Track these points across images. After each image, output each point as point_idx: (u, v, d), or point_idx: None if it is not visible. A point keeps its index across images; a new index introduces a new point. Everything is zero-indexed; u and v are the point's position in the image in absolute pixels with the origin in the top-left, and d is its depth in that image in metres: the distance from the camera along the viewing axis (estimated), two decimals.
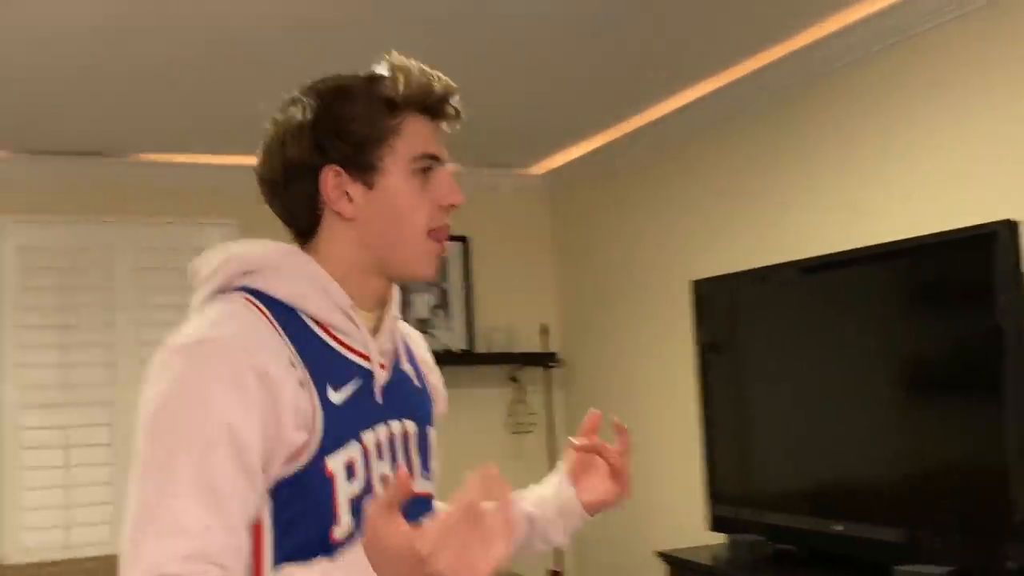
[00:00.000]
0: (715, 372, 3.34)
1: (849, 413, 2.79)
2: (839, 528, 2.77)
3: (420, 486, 1.30)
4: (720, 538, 3.24)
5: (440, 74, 1.28)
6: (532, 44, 3.02)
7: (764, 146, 3.41)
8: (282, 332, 1.17)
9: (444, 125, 1.30)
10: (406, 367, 1.32)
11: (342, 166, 1.23)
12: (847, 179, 3.06)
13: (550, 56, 3.13)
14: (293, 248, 1.26)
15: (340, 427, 1.18)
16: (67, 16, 2.63)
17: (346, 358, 1.22)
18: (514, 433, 4.53)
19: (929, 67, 2.79)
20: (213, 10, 2.65)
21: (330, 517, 1.17)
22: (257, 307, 1.18)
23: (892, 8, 2.79)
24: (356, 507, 1.18)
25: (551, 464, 4.48)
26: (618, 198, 4.25)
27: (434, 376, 1.43)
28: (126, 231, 4.14)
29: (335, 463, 1.17)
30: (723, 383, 3.31)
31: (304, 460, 1.15)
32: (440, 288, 4.54)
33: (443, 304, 4.53)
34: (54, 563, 3.74)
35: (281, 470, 1.14)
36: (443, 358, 4.57)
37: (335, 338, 1.22)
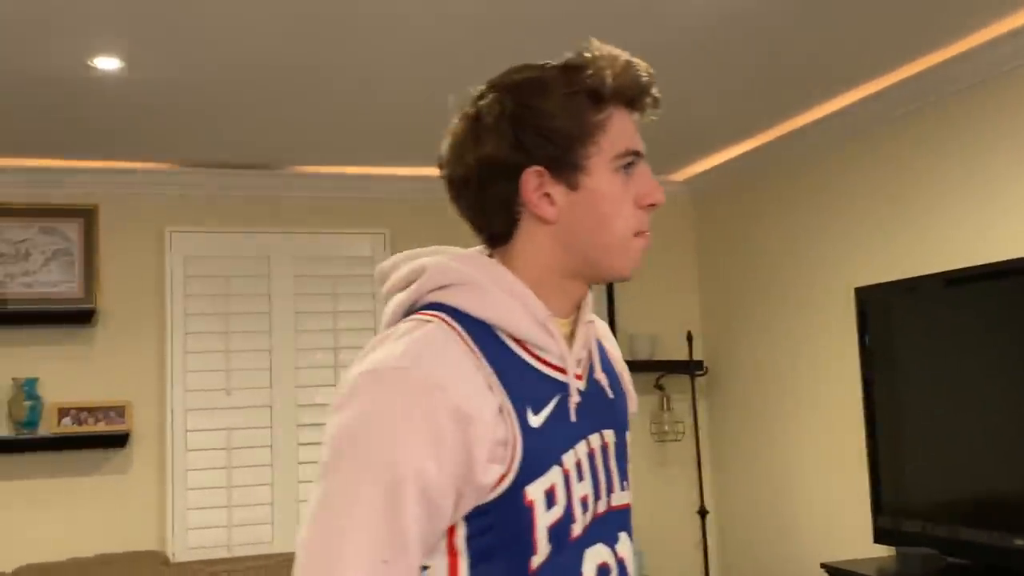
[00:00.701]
0: (880, 380, 3.26)
1: (1012, 426, 2.69)
2: (1022, 542, 2.67)
3: (618, 499, 1.23)
4: (886, 551, 3.17)
5: (641, 62, 1.18)
6: (680, 49, 3.00)
7: (923, 151, 3.32)
8: (480, 355, 1.09)
9: (638, 117, 1.20)
10: (599, 375, 1.24)
11: (545, 166, 1.13)
12: (1015, 185, 2.96)
13: (699, 61, 3.11)
14: (488, 259, 1.19)
15: (540, 453, 1.10)
16: (231, 25, 2.74)
17: (543, 374, 1.14)
18: (659, 441, 4.51)
19: None
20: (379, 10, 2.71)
21: (529, 547, 1.09)
22: (455, 329, 1.11)
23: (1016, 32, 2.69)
24: (555, 533, 1.11)
25: (698, 472, 4.45)
26: (764, 204, 4.19)
27: (626, 374, 1.34)
28: (283, 241, 4.27)
29: (535, 491, 1.09)
30: (888, 391, 3.24)
31: (501, 490, 1.07)
32: None
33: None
34: (220, 560, 3.87)
35: (476, 501, 1.08)
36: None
37: (532, 354, 1.14)
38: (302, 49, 2.87)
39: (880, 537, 3.18)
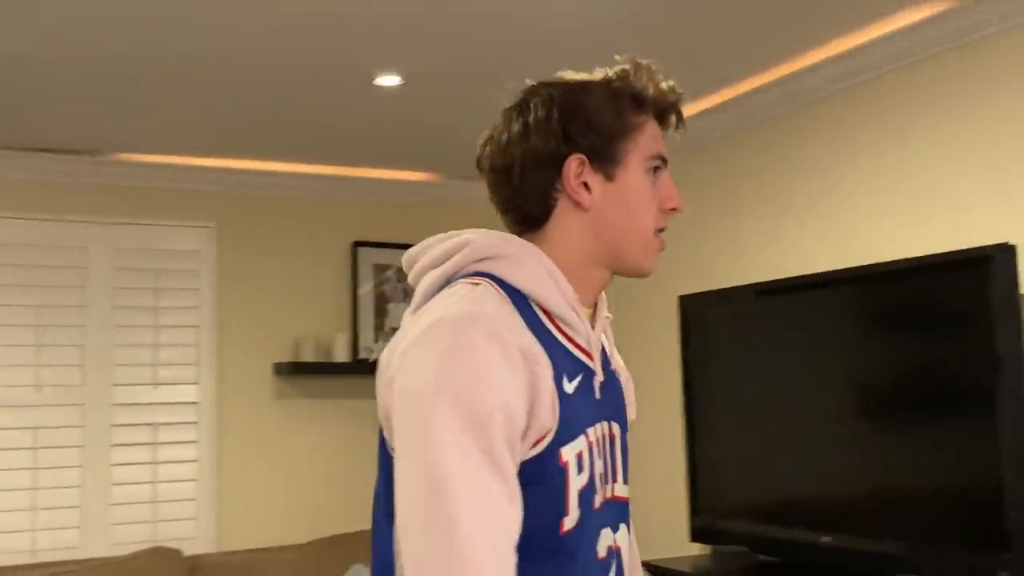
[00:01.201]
0: (698, 386, 3.37)
1: (839, 428, 2.84)
2: (827, 540, 2.81)
3: (620, 490, 1.30)
4: (701, 549, 3.27)
5: (675, 84, 1.33)
6: (521, 61, 3.04)
7: (759, 163, 3.47)
8: (523, 319, 1.17)
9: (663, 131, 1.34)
10: (616, 366, 1.36)
11: (587, 155, 1.25)
12: (846, 198, 3.13)
13: (540, 74, 3.15)
14: (525, 240, 1.26)
15: (573, 418, 1.17)
16: (51, 6, 2.60)
17: (570, 352, 1.22)
18: None
19: (927, 90, 2.87)
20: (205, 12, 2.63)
21: (562, 507, 1.15)
22: (498, 291, 1.18)
23: (895, 34, 2.86)
24: (583, 499, 1.18)
25: None
26: None
27: (630, 382, 1.44)
28: (102, 231, 4.07)
29: (569, 453, 1.16)
30: (704, 397, 3.35)
31: (543, 446, 1.13)
32: None
33: None
34: (22, 567, 3.64)
35: (524, 452, 1.12)
36: None
37: (561, 331, 1.22)
38: (127, 34, 2.74)
39: (696, 536, 3.29)
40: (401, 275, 4.49)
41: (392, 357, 1.16)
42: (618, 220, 1.26)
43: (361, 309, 4.43)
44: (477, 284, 1.18)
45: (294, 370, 4.22)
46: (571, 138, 1.24)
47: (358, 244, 4.45)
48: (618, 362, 1.41)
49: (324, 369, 4.29)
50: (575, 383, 1.19)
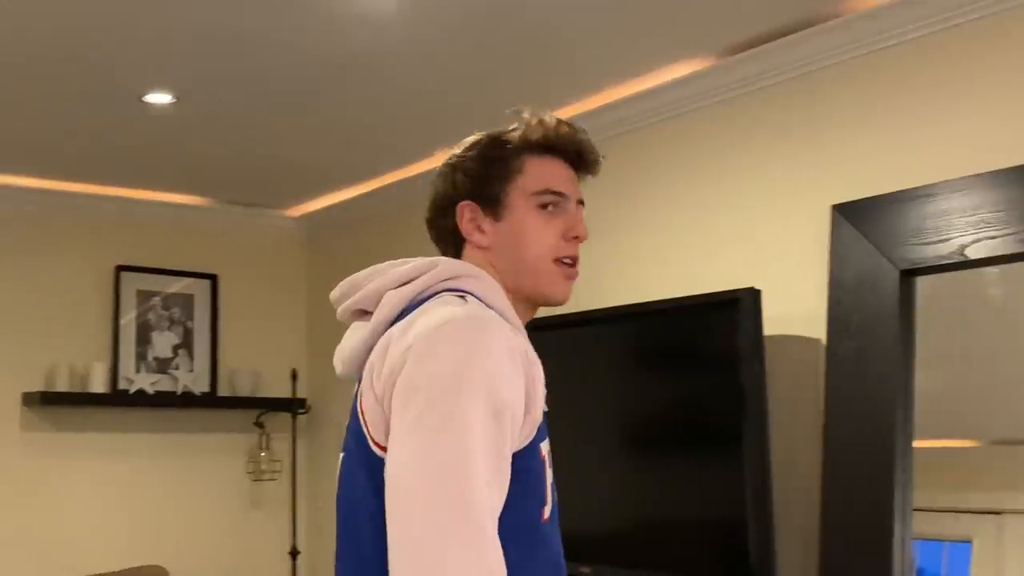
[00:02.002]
0: None
1: (603, 461, 2.92)
2: (586, 571, 2.88)
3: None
4: None
5: (576, 125, 1.47)
6: (297, 85, 3.00)
7: None
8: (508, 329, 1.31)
9: (583, 172, 1.48)
10: None
11: (474, 201, 1.42)
12: (610, 239, 3.24)
13: (315, 99, 3.13)
14: (473, 266, 1.40)
15: (543, 421, 1.30)
16: None
17: None
18: (256, 481, 4.38)
19: (688, 143, 3.02)
20: None
21: (542, 497, 1.28)
22: (481, 303, 1.33)
23: (660, 88, 3.00)
24: (552, 492, 1.32)
25: (292, 513, 4.37)
26: (378, 246, 4.26)
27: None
28: None
29: (544, 449, 1.30)
30: None
31: (529, 439, 1.25)
32: (184, 326, 4.34)
33: (186, 343, 4.34)
34: None
35: (518, 444, 1.23)
36: (182, 401, 4.40)
37: None
38: None
39: None
40: (167, 302, 4.31)
41: (384, 357, 1.26)
42: (510, 252, 1.40)
43: (122, 337, 4.20)
44: (463, 297, 1.32)
45: (46, 400, 3.94)
46: (457, 186, 1.43)
47: (121, 268, 4.23)
48: None
49: (80, 400, 4.04)
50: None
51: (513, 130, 1.46)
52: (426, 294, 1.34)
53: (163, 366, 4.26)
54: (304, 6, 2.46)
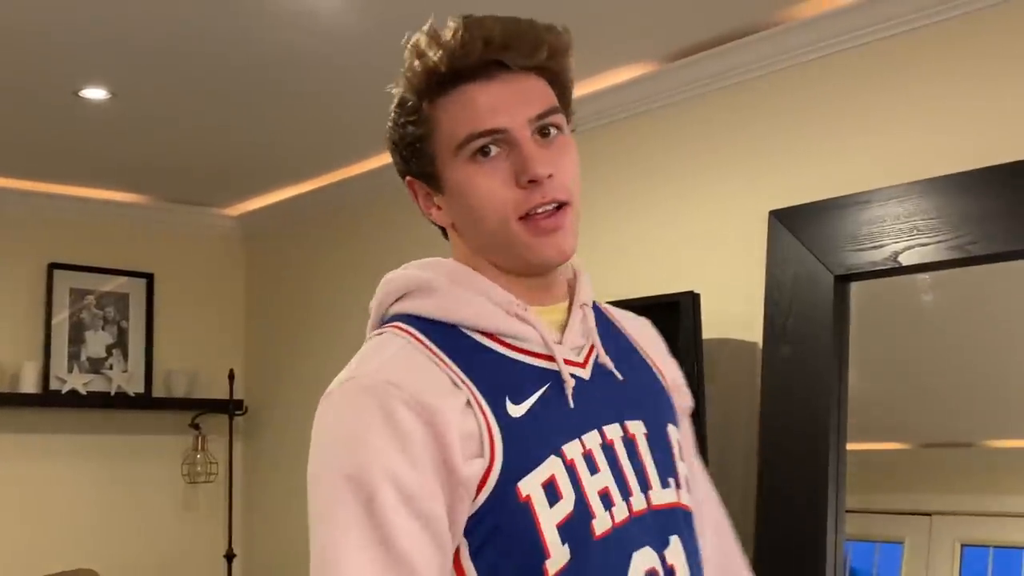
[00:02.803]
0: None
1: None
2: None
3: (660, 497, 1.10)
4: None
5: (487, 17, 1.07)
6: (237, 81, 2.97)
7: None
8: (440, 353, 1.04)
9: (529, 69, 1.07)
10: (604, 360, 1.13)
11: (415, 177, 1.13)
12: None
13: (256, 96, 3.10)
14: (451, 261, 1.15)
15: (530, 443, 1.02)
16: None
17: (527, 364, 1.07)
18: (191, 483, 4.31)
19: (628, 147, 3.05)
20: None
21: (538, 550, 1.00)
22: (408, 332, 1.07)
23: (598, 94, 3.02)
24: (569, 532, 1.01)
25: (228, 515, 4.32)
26: (318, 247, 4.23)
27: (667, 366, 1.25)
28: None
29: (530, 485, 1.00)
30: None
31: (490, 489, 0.99)
32: (118, 326, 4.26)
33: (120, 343, 4.26)
34: None
35: (469, 504, 1.00)
36: (116, 401, 4.33)
37: (508, 345, 1.07)
38: None
39: None
40: (101, 301, 4.23)
41: None
42: (469, 228, 1.10)
43: (55, 336, 4.11)
44: (381, 334, 1.11)
45: None
46: (397, 166, 1.15)
47: (55, 266, 4.14)
48: (653, 350, 1.24)
49: (10, 400, 3.94)
50: (529, 401, 1.04)
51: (402, 73, 1.12)
52: (384, 321, 1.14)
53: (96, 366, 4.17)
54: (243, 3, 2.43)
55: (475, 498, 1.00)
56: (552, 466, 1.02)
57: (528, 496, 1.00)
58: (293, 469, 4.17)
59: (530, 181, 1.05)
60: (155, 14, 2.50)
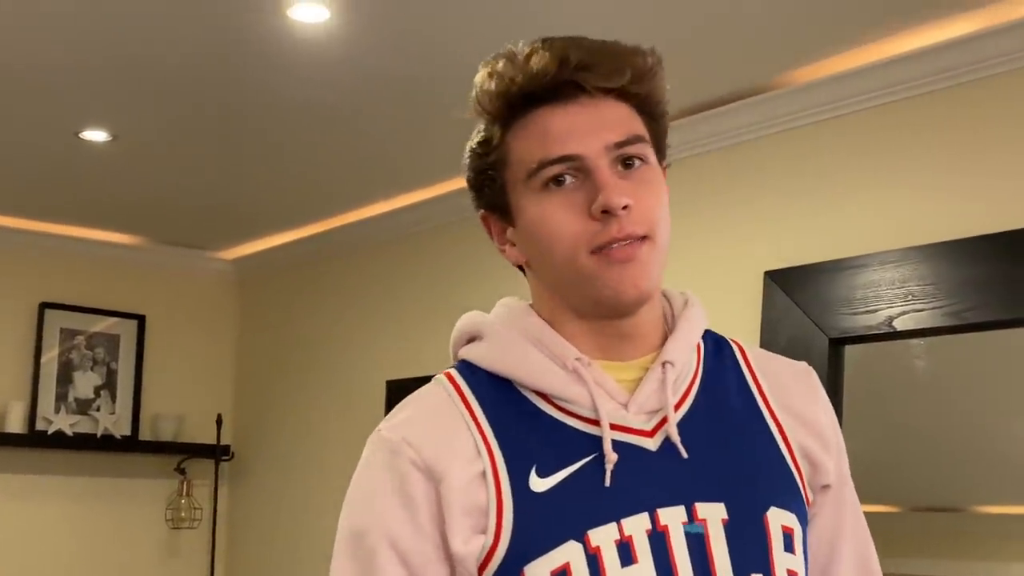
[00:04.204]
0: None
1: None
2: None
3: None
4: None
5: (563, 39, 0.98)
6: (236, 127, 2.99)
7: (453, 260, 3.56)
8: (477, 413, 0.97)
9: (608, 91, 0.97)
10: (672, 431, 0.97)
11: (488, 210, 1.05)
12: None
13: (254, 142, 3.11)
14: (513, 303, 1.07)
15: (546, 523, 0.91)
16: None
17: (575, 430, 0.96)
18: (175, 528, 4.26)
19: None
20: None
21: None
22: (454, 384, 1.00)
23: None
24: None
25: (211, 563, 4.26)
26: (310, 293, 4.23)
27: (805, 431, 1.04)
28: None
29: (538, 572, 0.90)
30: None
31: (494, 567, 0.91)
32: (107, 367, 4.24)
33: (109, 385, 4.23)
34: None
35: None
36: (102, 444, 4.29)
37: (558, 407, 0.97)
38: None
39: None
40: (91, 342, 4.20)
41: None
42: (540, 263, 1.01)
43: (43, 376, 4.08)
44: (436, 380, 1.04)
45: None
46: (474, 201, 1.07)
47: (46, 305, 4.12)
48: (795, 409, 1.04)
49: None
50: (562, 474, 0.93)
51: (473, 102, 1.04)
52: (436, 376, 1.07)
53: (84, 407, 4.14)
54: (244, 49, 2.46)
55: (481, 571, 0.92)
56: (568, 553, 0.90)
57: None
58: (278, 518, 4.16)
59: (603, 212, 0.94)
60: (157, 59, 2.52)
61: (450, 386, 1.00)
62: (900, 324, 2.29)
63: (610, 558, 0.90)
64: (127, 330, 4.30)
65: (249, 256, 4.47)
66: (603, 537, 0.91)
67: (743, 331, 2.61)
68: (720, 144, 2.79)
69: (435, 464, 0.94)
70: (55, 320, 4.14)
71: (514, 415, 0.97)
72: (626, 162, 0.97)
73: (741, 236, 2.73)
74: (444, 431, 0.96)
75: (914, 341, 2.40)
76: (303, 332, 4.22)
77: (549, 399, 0.98)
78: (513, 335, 1.01)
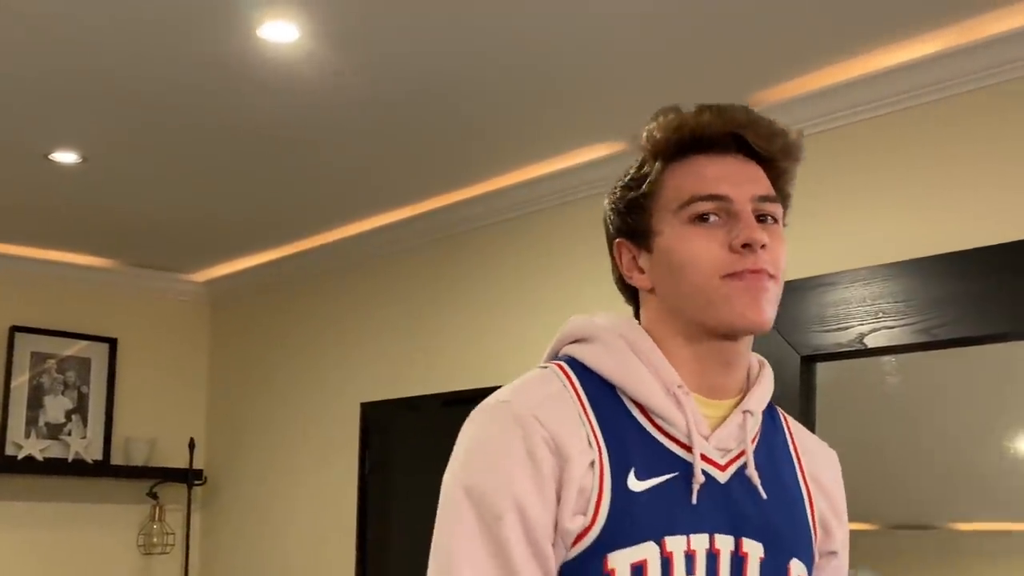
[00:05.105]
0: (375, 491, 3.34)
1: None
2: None
3: None
4: None
5: (734, 105, 1.13)
6: (207, 149, 2.98)
7: (427, 282, 3.55)
8: (588, 408, 1.07)
9: (761, 158, 1.13)
10: (751, 472, 1.10)
11: (625, 238, 1.15)
12: (489, 323, 3.27)
13: (225, 163, 3.10)
14: (631, 321, 1.15)
15: (634, 520, 1.02)
16: None
17: (664, 447, 1.07)
18: (146, 554, 4.21)
19: (595, 224, 3.06)
20: None
21: None
22: (567, 376, 1.10)
23: (569, 170, 3.05)
24: None
25: None
26: (283, 315, 4.20)
27: (826, 503, 1.19)
28: None
29: (620, 561, 1.01)
30: (381, 502, 3.32)
31: (583, 547, 1.01)
32: (78, 391, 4.19)
33: (80, 409, 4.19)
34: None
35: (562, 554, 1.02)
36: (73, 468, 4.24)
37: (655, 424, 1.08)
38: None
39: None
40: (62, 365, 4.16)
41: None
42: (671, 285, 1.10)
43: (13, 400, 4.03)
44: (546, 367, 1.12)
45: None
46: (609, 224, 1.18)
47: (16, 329, 4.08)
48: (820, 482, 1.20)
49: None
50: (653, 481, 1.04)
51: (640, 137, 1.17)
52: (542, 365, 1.16)
53: (55, 432, 4.09)
54: (214, 70, 2.45)
55: (568, 551, 1.02)
56: (647, 551, 1.02)
57: (612, 570, 1.01)
58: (251, 543, 4.12)
59: (744, 245, 1.06)
60: (127, 80, 2.51)
61: (564, 378, 1.09)
62: (871, 341, 2.29)
63: (678, 564, 1.03)
64: (98, 353, 4.26)
65: (221, 278, 4.44)
66: (676, 545, 1.03)
67: None
68: None
69: (562, 445, 1.02)
70: (25, 344, 4.09)
71: (616, 419, 1.07)
72: (761, 217, 1.10)
73: None
74: (565, 419, 1.05)
75: (885, 358, 2.40)
76: (276, 354, 4.19)
77: (647, 413, 1.08)
78: (623, 346, 1.11)
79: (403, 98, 2.58)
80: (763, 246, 1.07)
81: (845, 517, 1.22)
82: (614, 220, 1.17)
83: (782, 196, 1.16)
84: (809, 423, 2.41)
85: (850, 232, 2.45)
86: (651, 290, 1.13)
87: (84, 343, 4.23)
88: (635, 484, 1.04)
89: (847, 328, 2.33)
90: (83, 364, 4.23)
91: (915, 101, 2.36)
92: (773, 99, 2.55)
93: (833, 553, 1.20)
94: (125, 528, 4.20)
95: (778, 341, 2.46)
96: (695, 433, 1.07)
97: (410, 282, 3.65)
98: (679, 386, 1.08)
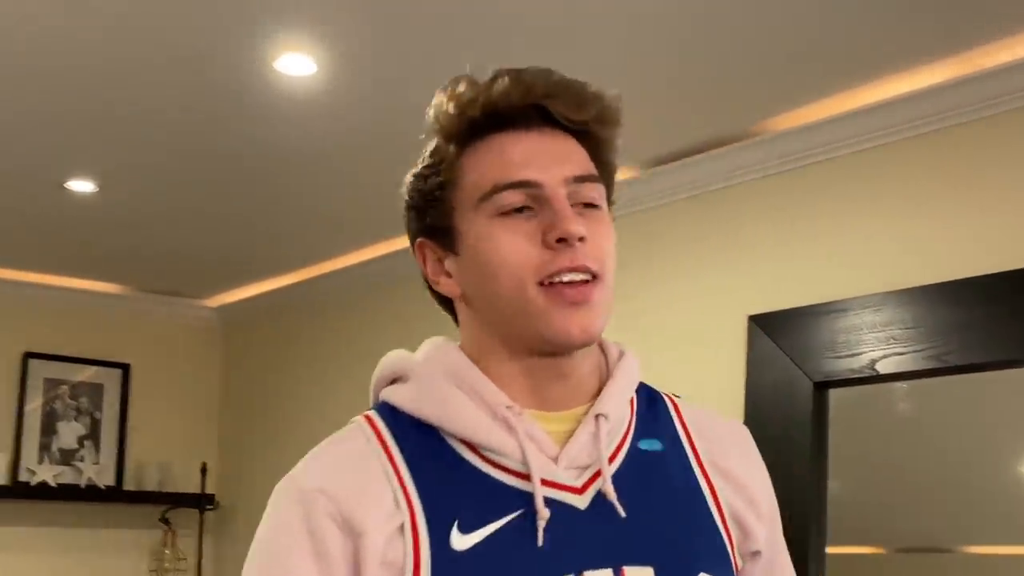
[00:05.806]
0: None
1: None
2: None
3: None
4: None
5: (531, 69, 0.94)
6: (220, 175, 3.01)
7: (438, 308, 3.55)
8: (399, 462, 0.91)
9: (574, 127, 0.94)
10: (607, 488, 0.91)
11: (427, 237, 0.97)
12: None
13: (238, 190, 3.13)
14: (440, 343, 0.99)
15: None
16: None
17: (502, 484, 0.90)
18: None
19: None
20: None
21: None
22: (375, 429, 0.94)
23: None
24: None
25: None
26: (295, 341, 4.22)
27: (738, 495, 0.99)
28: None
29: None
30: None
31: None
32: (91, 416, 4.22)
33: (93, 434, 4.21)
34: None
35: None
36: (86, 494, 4.25)
37: (485, 458, 0.91)
38: None
39: None
40: (75, 391, 4.19)
41: None
42: (480, 292, 0.94)
43: (26, 426, 4.05)
44: (354, 422, 0.97)
45: None
46: (408, 225, 1.00)
47: (30, 355, 4.10)
48: (730, 472, 1.00)
49: None
50: (485, 531, 0.88)
51: (428, 121, 0.99)
52: (353, 419, 1.01)
53: (67, 457, 4.11)
54: (230, 101, 2.48)
55: None
56: None
57: None
58: None
59: (559, 240, 0.89)
60: (143, 110, 2.54)
61: (369, 430, 0.94)
62: (883, 367, 2.31)
63: None
64: (111, 379, 4.28)
65: (233, 304, 4.47)
66: None
67: (728, 375, 2.63)
68: (706, 189, 2.82)
69: (353, 517, 0.87)
70: (39, 370, 4.12)
71: (437, 464, 0.91)
72: (583, 203, 0.94)
73: (726, 280, 2.75)
74: (362, 482, 0.89)
75: (897, 384, 2.42)
76: (288, 379, 4.21)
77: (475, 449, 0.91)
78: (439, 378, 0.95)
79: (416, 131, 2.61)
80: (582, 239, 0.90)
81: (769, 506, 1.02)
82: (412, 217, 0.99)
83: (604, 169, 0.98)
84: (823, 448, 2.43)
85: (862, 259, 2.47)
86: (462, 297, 0.97)
87: (97, 369, 4.25)
88: (459, 541, 0.87)
89: (859, 354, 2.35)
90: (96, 390, 4.25)
91: (925, 128, 2.38)
92: (780, 127, 2.58)
93: (757, 553, 1.00)
94: (137, 553, 4.21)
95: (790, 367, 2.48)
96: (532, 457, 0.90)
97: (424, 307, 3.65)
98: (507, 406, 0.92)
